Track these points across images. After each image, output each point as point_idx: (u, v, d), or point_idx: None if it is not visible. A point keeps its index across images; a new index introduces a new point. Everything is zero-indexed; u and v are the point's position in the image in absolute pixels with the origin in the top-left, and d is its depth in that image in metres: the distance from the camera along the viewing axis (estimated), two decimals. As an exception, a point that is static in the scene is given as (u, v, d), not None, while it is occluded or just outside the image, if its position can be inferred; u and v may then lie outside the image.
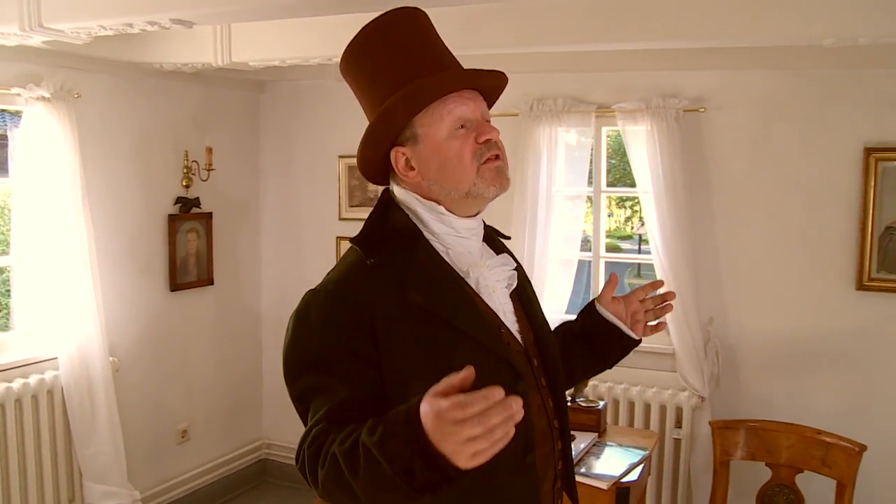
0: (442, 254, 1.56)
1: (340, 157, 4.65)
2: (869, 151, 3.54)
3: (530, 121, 3.90)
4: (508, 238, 1.82)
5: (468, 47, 3.40)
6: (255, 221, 4.99)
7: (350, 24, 3.37)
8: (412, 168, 1.56)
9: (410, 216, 1.58)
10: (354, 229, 4.96)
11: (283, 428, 5.03)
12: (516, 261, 1.74)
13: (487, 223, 1.73)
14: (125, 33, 2.93)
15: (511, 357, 1.52)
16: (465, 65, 1.61)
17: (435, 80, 1.52)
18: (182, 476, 4.47)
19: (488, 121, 1.59)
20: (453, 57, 1.62)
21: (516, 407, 1.12)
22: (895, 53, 3.33)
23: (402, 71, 1.55)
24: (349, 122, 4.54)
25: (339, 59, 4.03)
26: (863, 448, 2.94)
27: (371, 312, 1.44)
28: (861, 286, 3.60)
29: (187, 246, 4.41)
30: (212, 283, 4.61)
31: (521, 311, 1.64)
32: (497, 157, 1.56)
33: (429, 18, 1.64)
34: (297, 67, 4.17)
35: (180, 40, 3.75)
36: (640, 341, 1.81)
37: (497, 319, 1.56)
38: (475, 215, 1.61)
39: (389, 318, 1.44)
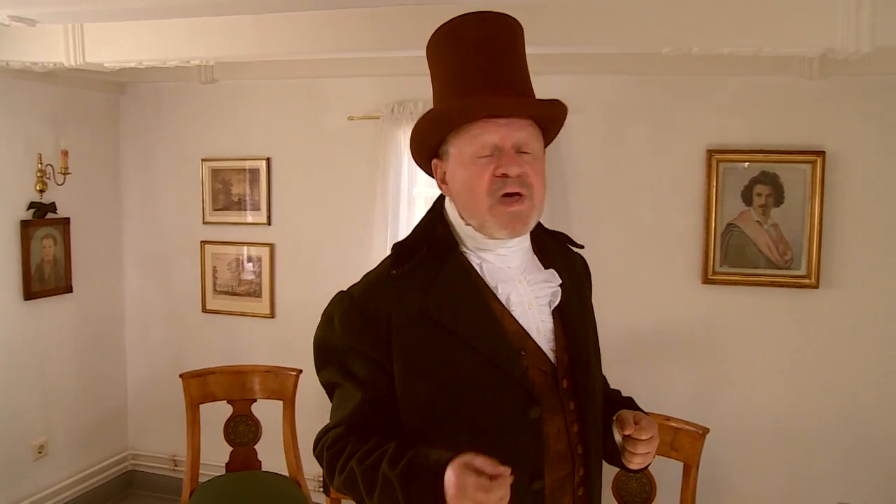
0: (475, 266, 1.56)
1: (204, 160, 4.57)
2: (711, 153, 3.77)
3: (391, 123, 3.95)
4: (582, 247, 1.79)
5: (330, 50, 3.43)
6: (117, 226, 4.83)
7: (207, 27, 3.38)
8: (445, 182, 1.59)
9: (451, 226, 1.60)
10: (219, 233, 4.90)
11: (150, 437, 4.89)
12: (583, 276, 1.77)
13: (558, 230, 1.76)
14: (-38, 30, 2.80)
15: (526, 380, 1.50)
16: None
17: (459, 104, 1.49)
18: (39, 493, 4.28)
19: (525, 152, 1.50)
20: (518, 77, 1.54)
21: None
22: (730, 62, 3.56)
23: (452, 83, 1.54)
24: (212, 124, 4.54)
25: (197, 62, 3.96)
26: (705, 431, 3.11)
27: (387, 322, 1.50)
28: (706, 280, 3.83)
29: (43, 252, 4.23)
30: (70, 291, 4.44)
31: (562, 329, 1.59)
32: (517, 195, 1.48)
33: (513, 28, 1.57)
34: (158, 69, 4.08)
35: (28, 38, 3.58)
36: (634, 469, 1.66)
37: (523, 338, 1.53)
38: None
39: (405, 328, 1.50)
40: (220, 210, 4.59)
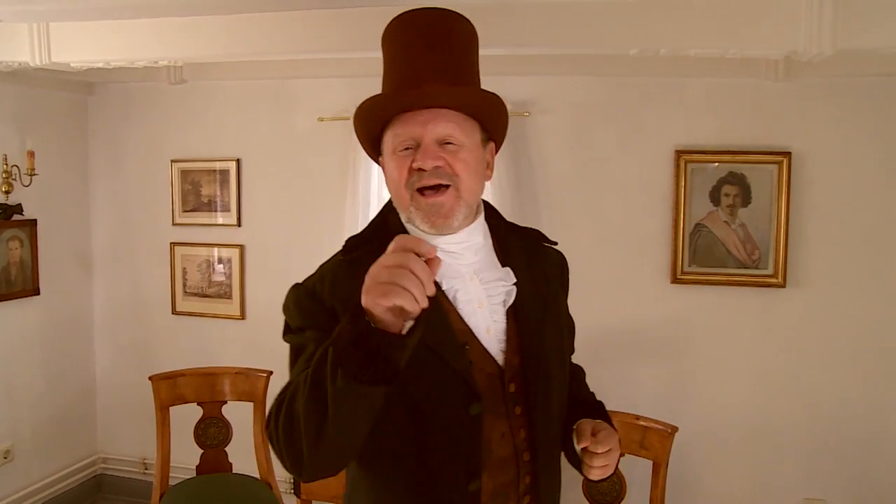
0: None
1: (173, 161, 4.53)
2: (679, 153, 3.81)
3: (362, 124, 3.93)
4: (555, 243, 1.76)
5: (298, 51, 3.42)
6: (86, 228, 4.78)
7: (175, 28, 3.35)
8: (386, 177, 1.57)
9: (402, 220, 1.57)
10: (189, 235, 4.84)
11: (119, 441, 4.84)
12: (556, 275, 1.71)
13: (531, 226, 1.73)
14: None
15: (471, 376, 1.46)
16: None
17: (370, 102, 1.48)
18: (6, 500, 4.21)
19: (450, 143, 1.47)
20: (449, 70, 1.48)
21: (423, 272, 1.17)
22: (697, 64, 3.60)
23: (385, 79, 1.54)
24: (182, 125, 4.51)
25: (165, 62, 3.93)
26: (674, 430, 3.13)
27: (333, 304, 1.46)
28: (675, 279, 3.86)
29: (9, 255, 4.17)
30: (38, 293, 4.38)
31: (515, 331, 1.54)
32: (435, 188, 1.45)
33: (453, 22, 1.53)
34: (126, 69, 4.05)
35: (-8, 37, 3.55)
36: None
37: (468, 338, 1.49)
38: (458, 230, 1.51)
39: None
40: (189, 211, 4.55)
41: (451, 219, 1.47)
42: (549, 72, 3.89)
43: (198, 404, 3.57)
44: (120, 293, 4.78)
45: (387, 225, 1.58)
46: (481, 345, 1.50)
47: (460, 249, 1.53)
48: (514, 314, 1.55)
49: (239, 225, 4.47)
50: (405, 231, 1.55)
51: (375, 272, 1.19)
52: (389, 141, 1.50)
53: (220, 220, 4.50)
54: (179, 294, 4.62)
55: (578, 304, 4.01)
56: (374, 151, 1.60)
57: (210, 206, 4.51)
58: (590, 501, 3.15)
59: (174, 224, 4.59)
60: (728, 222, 3.79)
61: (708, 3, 2.94)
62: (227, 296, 4.52)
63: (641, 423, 3.22)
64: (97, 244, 4.82)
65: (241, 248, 4.47)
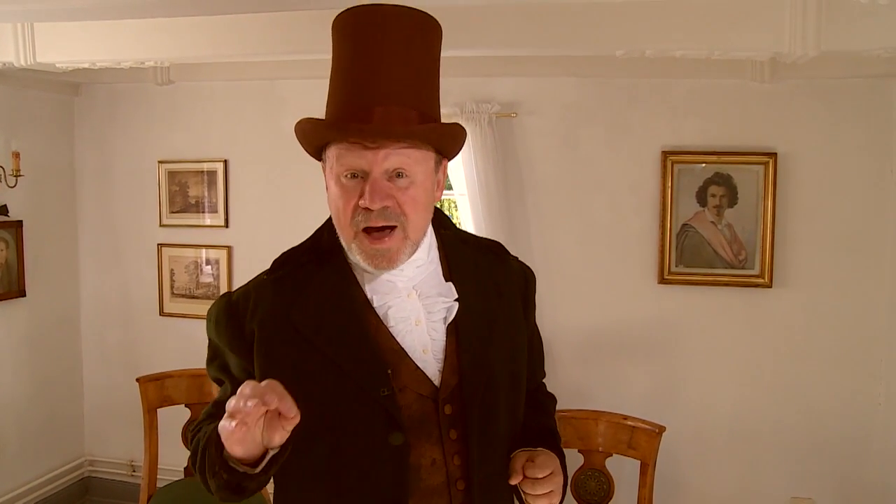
0: (357, 276, 1.45)
1: (160, 162, 4.52)
2: (666, 154, 3.82)
3: (349, 125, 3.93)
4: (508, 254, 1.64)
5: (284, 52, 3.42)
6: (72, 229, 4.76)
7: (161, 28, 3.34)
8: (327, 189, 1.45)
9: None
10: (176, 236, 4.81)
11: (107, 442, 4.83)
12: (514, 290, 1.59)
13: (493, 238, 1.65)
14: None
15: (391, 403, 1.36)
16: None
17: (321, 128, 1.38)
18: (-8, 502, 4.21)
19: (400, 175, 1.35)
20: (408, 92, 1.36)
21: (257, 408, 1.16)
22: (683, 65, 3.61)
23: (334, 87, 1.42)
24: (169, 126, 4.49)
25: (152, 63, 3.91)
26: (661, 429, 3.14)
27: (252, 328, 1.43)
28: (662, 280, 3.88)
29: (-6, 256, 4.17)
30: (24, 295, 4.36)
31: (455, 348, 1.44)
32: (385, 229, 1.35)
33: (424, 24, 1.38)
34: (113, 70, 4.03)
35: (-24, 37, 3.53)
36: None
37: (399, 357, 1.40)
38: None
39: (270, 334, 1.42)
40: (177, 213, 4.54)
41: (395, 262, 1.38)
42: (536, 73, 3.90)
43: (185, 406, 3.55)
44: (107, 294, 4.76)
45: (321, 240, 1.51)
46: (414, 364, 1.40)
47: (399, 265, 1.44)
48: (456, 331, 1.44)
49: (226, 226, 4.46)
50: (340, 250, 1.47)
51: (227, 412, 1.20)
52: (334, 161, 1.38)
53: (208, 222, 4.49)
54: (167, 295, 4.61)
55: (565, 304, 4.05)
56: (318, 155, 1.49)
57: (197, 208, 4.50)
58: (578, 501, 3.15)
59: (161, 225, 4.58)
60: (714, 223, 3.81)
61: (693, 4, 2.96)
62: (215, 297, 4.49)
63: (629, 422, 3.22)
64: (84, 245, 4.80)
65: (229, 249, 4.46)
